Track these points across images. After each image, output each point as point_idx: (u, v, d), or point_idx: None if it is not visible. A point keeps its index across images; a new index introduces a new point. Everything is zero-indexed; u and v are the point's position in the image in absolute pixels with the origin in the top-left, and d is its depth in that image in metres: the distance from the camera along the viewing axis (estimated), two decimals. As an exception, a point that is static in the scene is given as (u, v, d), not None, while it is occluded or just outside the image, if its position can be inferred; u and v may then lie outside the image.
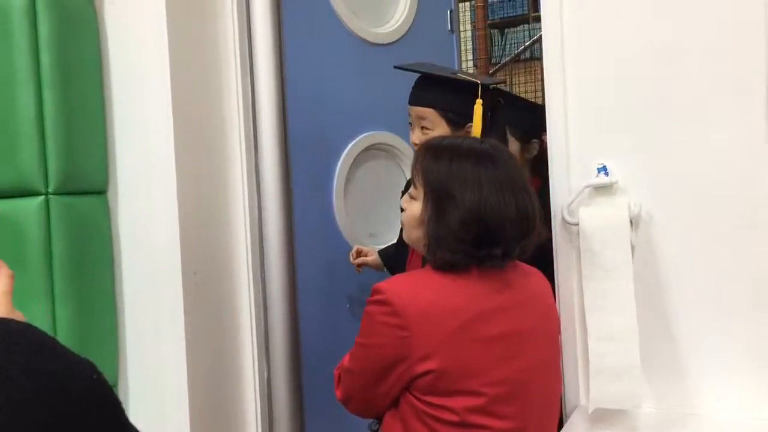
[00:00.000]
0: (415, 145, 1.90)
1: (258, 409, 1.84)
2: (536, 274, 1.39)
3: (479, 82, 1.81)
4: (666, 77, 1.45)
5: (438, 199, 1.28)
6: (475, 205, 1.25)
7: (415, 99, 1.92)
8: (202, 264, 1.74)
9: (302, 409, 1.90)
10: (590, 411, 1.45)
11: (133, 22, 1.68)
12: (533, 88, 4.51)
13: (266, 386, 1.86)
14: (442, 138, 1.50)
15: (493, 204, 1.25)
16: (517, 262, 1.35)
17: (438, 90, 1.89)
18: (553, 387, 1.38)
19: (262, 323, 1.86)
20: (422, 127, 1.88)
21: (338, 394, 1.35)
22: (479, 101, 1.78)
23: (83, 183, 1.65)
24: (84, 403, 0.59)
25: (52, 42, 1.57)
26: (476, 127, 1.78)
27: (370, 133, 2.23)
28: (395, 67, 1.94)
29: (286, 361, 1.86)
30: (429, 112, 1.88)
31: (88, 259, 1.63)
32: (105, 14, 1.70)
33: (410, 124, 1.96)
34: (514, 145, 2.09)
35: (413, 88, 1.94)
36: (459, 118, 1.88)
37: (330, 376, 1.43)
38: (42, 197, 1.56)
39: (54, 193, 1.57)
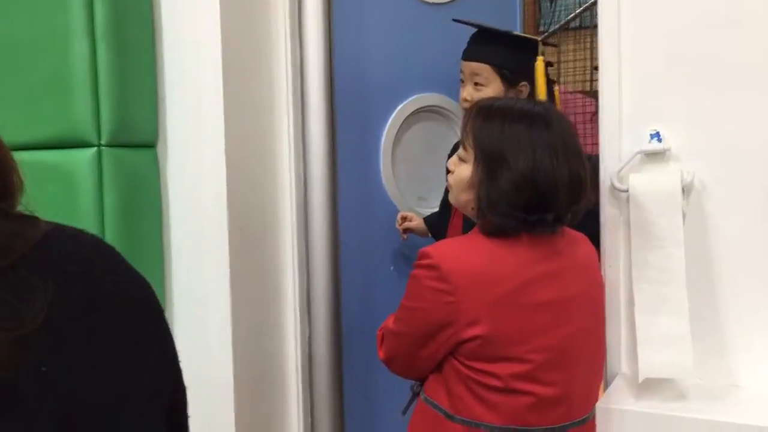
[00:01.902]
0: (465, 101, 1.89)
1: (298, 365, 1.87)
2: (584, 242, 1.38)
3: (539, 39, 1.79)
4: (725, 43, 1.40)
5: (490, 162, 1.26)
6: (529, 169, 1.23)
7: (471, 54, 1.90)
8: (248, 220, 1.76)
9: (341, 368, 1.93)
10: (640, 381, 1.43)
11: (186, -23, 1.69)
12: (582, 56, 4.42)
13: (307, 343, 1.88)
14: (494, 99, 1.48)
15: (547, 168, 1.23)
16: (566, 228, 1.34)
17: (495, 46, 1.87)
18: (597, 355, 1.38)
19: (305, 280, 1.88)
20: (475, 84, 1.86)
21: (381, 354, 1.36)
22: (540, 58, 1.76)
23: (134, 136, 1.67)
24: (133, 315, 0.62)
25: (107, -5, 1.58)
26: (539, 84, 1.77)
27: (420, 94, 2.21)
28: (454, 20, 1.92)
29: (327, 319, 1.88)
30: (483, 68, 1.87)
31: (137, 211, 1.66)
32: (158, -32, 1.71)
33: (461, 81, 1.94)
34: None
35: (469, 43, 1.93)
36: (513, 76, 1.86)
37: (370, 335, 1.44)
38: (95, 149, 1.59)
39: (106, 145, 1.60)
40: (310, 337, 1.89)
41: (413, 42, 2.18)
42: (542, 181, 1.23)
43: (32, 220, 0.62)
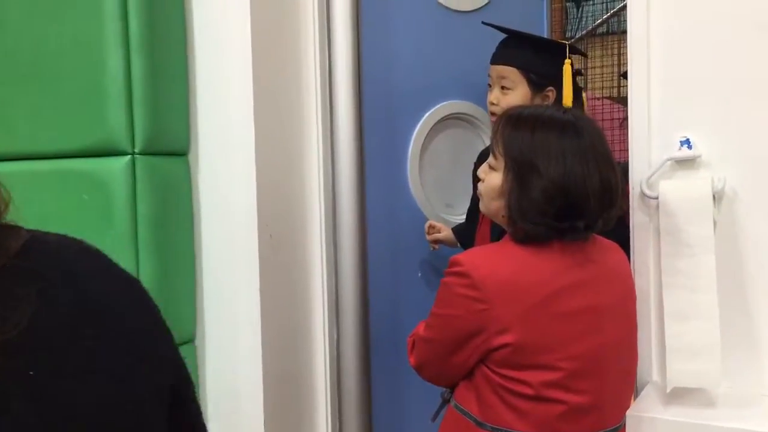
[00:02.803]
0: (492, 104, 1.89)
1: (327, 370, 1.88)
2: (616, 249, 1.37)
3: (567, 43, 1.80)
4: (755, 49, 1.40)
5: (520, 170, 1.26)
6: (560, 177, 1.23)
7: (498, 57, 1.91)
8: (278, 226, 1.78)
9: (370, 372, 1.94)
10: (668, 390, 1.42)
11: (217, -12, 1.72)
12: (610, 62, 4.40)
13: (335, 348, 1.90)
14: (523, 107, 1.48)
15: (578, 175, 1.23)
16: (597, 236, 1.33)
17: (522, 50, 1.88)
18: (629, 363, 1.37)
19: (333, 286, 1.89)
20: (503, 87, 1.87)
21: (411, 360, 1.37)
22: (568, 61, 1.77)
23: (166, 144, 1.70)
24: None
25: (141, 7, 1.61)
26: (566, 88, 1.77)
27: (448, 102, 2.22)
28: (483, 23, 1.93)
29: (356, 324, 1.90)
30: (511, 71, 1.88)
31: (170, 219, 1.69)
32: (191, -20, 1.74)
33: (489, 86, 1.95)
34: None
35: (498, 47, 1.94)
36: (540, 80, 1.86)
37: (398, 341, 1.45)
38: (128, 157, 1.62)
39: (140, 153, 1.62)
40: (338, 343, 1.91)
41: (440, 49, 2.19)
42: (573, 188, 1.23)
43: (13, 229, 0.62)
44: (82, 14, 1.64)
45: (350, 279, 1.90)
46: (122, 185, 1.61)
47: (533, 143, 1.26)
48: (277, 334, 1.77)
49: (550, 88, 1.90)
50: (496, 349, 1.22)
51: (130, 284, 0.66)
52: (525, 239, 1.26)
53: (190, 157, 1.77)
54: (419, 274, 2.20)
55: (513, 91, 1.87)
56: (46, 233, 0.64)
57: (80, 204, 1.64)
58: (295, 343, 1.85)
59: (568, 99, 1.85)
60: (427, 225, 2.15)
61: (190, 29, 1.75)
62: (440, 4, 2.19)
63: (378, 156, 2.03)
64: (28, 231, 0.63)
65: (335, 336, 1.90)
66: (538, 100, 1.90)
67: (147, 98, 1.62)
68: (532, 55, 1.88)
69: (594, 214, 1.26)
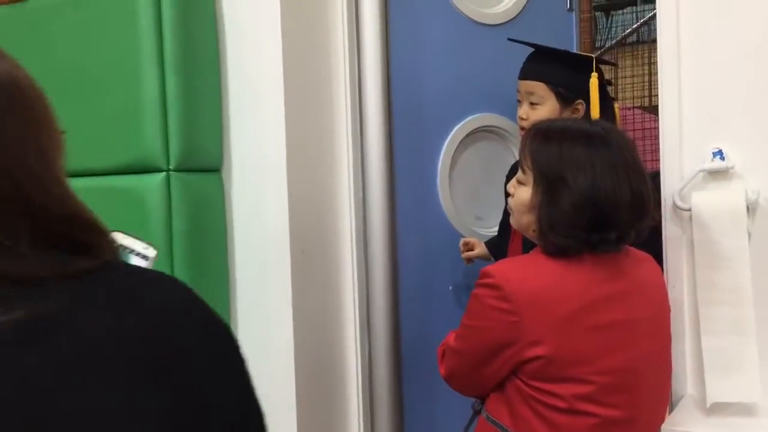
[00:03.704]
0: (521, 119, 1.89)
1: (359, 383, 1.89)
2: (649, 261, 1.36)
3: (594, 56, 1.79)
4: (791, 58, 1.38)
5: (549, 183, 1.26)
6: (589, 189, 1.23)
7: (526, 73, 1.92)
8: (309, 243, 1.80)
9: (401, 385, 1.94)
10: (708, 405, 1.41)
11: (248, 8, 1.75)
12: (640, 72, 4.37)
13: (368, 361, 1.90)
14: (551, 121, 1.48)
15: (607, 187, 1.23)
16: (630, 248, 1.33)
17: (549, 64, 1.88)
18: (664, 377, 1.36)
19: (365, 300, 1.90)
20: (531, 102, 1.87)
21: (442, 371, 1.37)
22: (594, 74, 1.76)
23: (200, 161, 1.74)
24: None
25: (175, 28, 1.66)
26: (593, 101, 1.76)
27: (477, 115, 2.23)
28: (509, 39, 1.94)
29: (387, 337, 1.90)
30: (539, 87, 1.88)
31: (204, 234, 1.72)
32: (223, 2, 1.77)
33: (518, 101, 1.95)
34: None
35: (525, 62, 1.94)
36: (568, 94, 1.86)
37: (430, 354, 1.45)
38: (163, 173, 1.65)
39: (174, 170, 1.66)
40: (370, 355, 1.92)
41: (469, 63, 2.20)
42: (603, 200, 1.23)
43: (97, 258, 0.66)
44: (118, 36, 1.68)
45: (381, 292, 1.91)
46: (158, 201, 1.65)
47: (561, 156, 1.26)
48: (310, 347, 1.79)
49: (580, 101, 1.90)
50: (528, 361, 1.22)
51: (205, 326, 0.67)
52: (556, 252, 1.26)
53: (223, 173, 1.80)
54: (450, 287, 2.20)
55: (542, 106, 1.87)
56: (132, 267, 0.68)
57: (118, 220, 1.68)
58: (328, 356, 1.87)
59: (595, 112, 1.84)
60: (461, 242, 2.16)
61: (222, 49, 1.78)
62: (468, 18, 2.20)
63: (408, 169, 2.04)
64: (115, 262, 0.67)
65: (367, 349, 1.91)
66: (567, 114, 1.89)
67: (181, 116, 1.66)
68: (560, 69, 1.88)
69: (625, 225, 1.25)
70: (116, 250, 0.69)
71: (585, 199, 1.23)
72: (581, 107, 1.90)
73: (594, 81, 1.83)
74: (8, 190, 0.63)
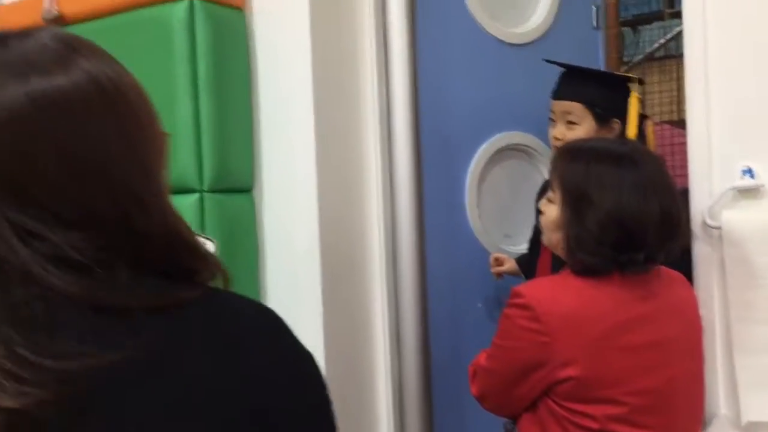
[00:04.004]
0: (556, 139, 1.89)
1: (389, 401, 1.90)
2: (681, 281, 1.36)
3: (632, 76, 1.81)
4: (821, 75, 1.38)
5: (575, 201, 1.28)
6: (614, 208, 1.24)
7: (562, 93, 1.92)
8: (339, 259, 1.82)
9: (431, 403, 1.95)
10: (743, 424, 1.40)
11: (279, 33, 1.79)
12: (668, 88, 4.34)
13: (397, 379, 1.91)
14: (581, 141, 1.50)
15: (634, 206, 1.23)
16: (662, 267, 1.33)
17: (586, 84, 1.89)
18: (698, 398, 1.35)
19: (394, 319, 1.92)
20: (568, 122, 1.87)
21: (473, 390, 1.38)
22: (634, 95, 1.77)
23: (232, 182, 1.77)
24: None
25: (208, 52, 1.70)
26: (632, 120, 1.77)
27: (504, 133, 2.24)
28: (545, 60, 1.95)
29: (417, 355, 1.91)
30: (576, 107, 1.88)
31: (237, 253, 1.75)
32: (254, 25, 1.82)
33: (551, 120, 1.95)
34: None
35: (559, 82, 1.95)
36: (605, 113, 1.87)
37: (460, 372, 1.46)
38: (197, 194, 1.69)
39: (208, 191, 1.70)
40: (400, 373, 1.93)
41: (496, 82, 2.22)
42: (629, 219, 1.24)
43: (196, 285, 0.65)
44: (153, 61, 1.73)
45: (411, 309, 1.92)
46: (191, 221, 1.67)
47: (587, 175, 1.28)
48: (340, 365, 1.81)
49: (615, 120, 1.91)
50: (560, 382, 1.22)
51: (297, 366, 0.68)
52: (585, 271, 1.26)
53: (255, 193, 1.84)
54: (479, 305, 2.21)
55: (579, 126, 1.87)
56: (232, 296, 0.68)
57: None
58: (358, 374, 1.88)
59: (632, 131, 1.84)
60: (492, 258, 2.17)
61: (254, 73, 1.82)
62: (495, 38, 2.22)
63: (436, 187, 2.06)
64: (214, 291, 0.66)
65: (397, 366, 1.92)
66: (603, 133, 1.90)
67: (214, 139, 1.70)
68: (597, 89, 1.89)
69: (654, 245, 1.25)
70: (215, 273, 0.68)
71: (610, 217, 1.23)
72: (617, 126, 1.91)
73: (634, 100, 1.84)
74: (110, 213, 0.62)
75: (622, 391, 1.22)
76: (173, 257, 0.65)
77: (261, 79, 1.82)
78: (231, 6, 1.77)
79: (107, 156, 0.63)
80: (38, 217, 0.60)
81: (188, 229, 0.68)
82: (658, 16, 5.22)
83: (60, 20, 1.87)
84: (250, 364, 0.63)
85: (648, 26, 5.25)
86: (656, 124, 3.82)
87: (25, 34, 0.66)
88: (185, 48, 1.70)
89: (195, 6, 1.70)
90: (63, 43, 0.65)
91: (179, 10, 1.70)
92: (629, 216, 1.24)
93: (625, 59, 4.93)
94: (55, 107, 0.61)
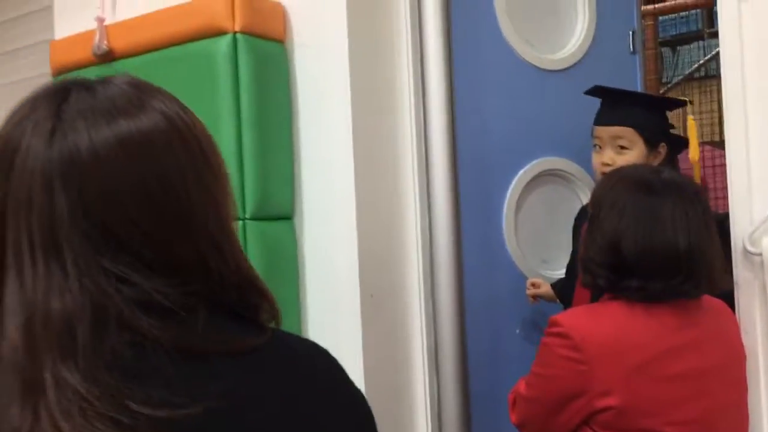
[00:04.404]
0: (605, 165, 1.88)
1: (428, 427, 1.91)
2: (723, 309, 1.35)
3: (684, 99, 1.82)
4: None
5: (591, 220, 1.31)
6: (611, 231, 1.25)
7: (609, 118, 1.92)
8: (378, 285, 1.84)
9: (471, 429, 1.95)
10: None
11: (319, 65, 1.84)
12: (708, 108, 4.30)
13: (437, 405, 1.92)
14: (629, 166, 1.51)
15: (631, 233, 1.24)
16: (705, 296, 1.32)
17: (636, 108, 1.90)
18: (740, 428, 1.33)
19: (433, 344, 1.93)
20: (620, 146, 1.88)
21: (513, 418, 1.38)
22: (691, 118, 1.78)
23: (274, 209, 1.82)
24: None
25: (251, 84, 1.75)
26: (693, 146, 1.78)
27: (542, 159, 2.25)
28: (599, 88, 1.96)
29: (455, 380, 1.92)
30: (627, 131, 1.88)
31: (278, 279, 1.79)
32: (294, 58, 1.87)
33: (596, 146, 1.95)
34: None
35: (605, 107, 1.95)
36: (654, 137, 1.88)
37: (499, 397, 1.46)
38: (240, 222, 1.74)
39: (250, 219, 1.74)
40: (439, 399, 1.93)
41: (533, 108, 2.23)
42: (624, 246, 1.24)
43: (263, 329, 0.68)
44: (198, 93, 1.78)
45: (449, 335, 1.93)
46: (234, 249, 1.73)
47: (604, 196, 1.30)
48: (379, 391, 1.82)
49: (663, 144, 1.91)
50: (600, 411, 1.22)
51: (354, 407, 0.71)
52: (593, 289, 1.28)
53: (296, 221, 1.88)
54: (517, 331, 2.21)
55: (630, 151, 1.88)
56: (293, 338, 0.71)
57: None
58: (397, 401, 1.89)
59: (694, 154, 1.85)
60: (528, 282, 2.17)
61: (294, 103, 1.87)
62: (531, 65, 2.24)
63: (474, 214, 2.08)
64: (278, 334, 0.69)
65: (436, 392, 1.93)
66: (651, 158, 1.90)
67: (256, 168, 1.75)
68: (647, 113, 1.90)
69: (654, 277, 1.24)
70: (274, 312, 0.70)
71: (606, 240, 1.25)
72: (663, 150, 1.91)
73: (692, 123, 1.84)
74: (190, 256, 0.64)
75: (662, 421, 1.21)
76: (243, 297, 0.67)
77: (301, 109, 1.87)
78: (272, 39, 1.83)
79: (187, 198, 0.65)
80: (128, 263, 0.62)
81: (253, 268, 0.70)
82: (697, 36, 5.18)
83: (109, 55, 1.94)
84: (317, 407, 0.66)
85: (687, 46, 5.21)
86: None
87: (106, 81, 0.69)
88: (229, 80, 1.75)
89: (238, 40, 1.75)
90: (138, 88, 0.68)
91: (223, 45, 1.76)
92: (624, 243, 1.24)
93: (664, 80, 4.89)
94: (140, 148, 0.64)
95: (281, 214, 1.85)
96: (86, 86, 0.68)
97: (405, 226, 1.94)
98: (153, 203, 0.63)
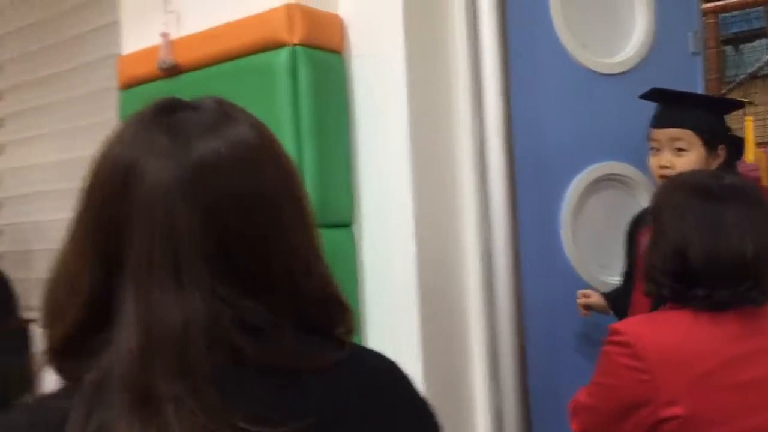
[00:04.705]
0: (664, 168, 1.86)
1: (487, 433, 1.92)
2: None
3: (743, 100, 1.79)
4: None
5: (653, 229, 1.29)
6: (675, 239, 1.23)
7: (668, 120, 1.90)
8: (436, 291, 1.86)
9: (530, 435, 1.95)
10: None
11: (377, 75, 1.87)
12: (773, 107, 4.17)
13: (496, 412, 1.92)
14: (688, 173, 1.50)
15: (697, 241, 1.22)
16: None
17: (695, 111, 1.87)
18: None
19: (492, 350, 1.93)
20: (678, 149, 1.85)
21: (574, 427, 1.37)
22: (749, 118, 1.75)
23: (333, 216, 1.85)
24: None
25: (310, 95, 1.79)
26: (750, 147, 1.75)
27: (600, 163, 2.23)
28: (656, 89, 1.95)
29: (515, 386, 1.92)
30: (686, 134, 1.86)
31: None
32: (353, 69, 1.90)
33: (653, 149, 1.93)
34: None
35: (663, 110, 1.93)
36: (713, 139, 1.85)
37: (558, 404, 1.46)
38: (300, 230, 1.77)
39: (311, 227, 1.78)
40: (499, 406, 1.94)
41: (591, 112, 2.21)
42: (692, 254, 1.22)
43: (342, 343, 0.69)
44: (259, 104, 1.82)
45: (508, 341, 1.93)
46: (295, 256, 1.77)
47: (664, 203, 1.29)
48: (439, 399, 1.83)
49: (722, 146, 1.88)
50: (665, 420, 1.20)
51: (426, 419, 0.73)
52: (655, 297, 1.27)
53: (354, 228, 1.91)
54: (577, 337, 2.19)
55: (689, 153, 1.85)
56: (365, 351, 0.73)
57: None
58: (457, 409, 1.90)
59: (750, 156, 1.81)
60: (579, 293, 2.15)
61: (353, 113, 1.90)
62: (588, 69, 2.22)
63: (532, 219, 2.07)
64: (353, 348, 0.70)
65: (496, 400, 1.93)
66: (710, 160, 1.87)
67: (316, 177, 1.78)
68: (706, 115, 1.87)
69: (719, 284, 1.22)
70: (352, 327, 0.72)
71: (671, 247, 1.23)
72: (722, 152, 1.88)
73: (749, 124, 1.81)
74: (282, 275, 0.65)
75: (729, 430, 1.19)
76: (325, 312, 0.69)
77: (359, 119, 1.90)
78: (330, 51, 1.87)
79: (281, 214, 0.66)
80: (231, 282, 0.63)
81: (334, 283, 0.71)
82: (760, 33, 5.04)
83: (174, 69, 2.01)
84: (393, 421, 0.68)
85: (750, 44, 5.08)
86: (760, 144, 3.67)
87: (198, 101, 0.72)
88: (288, 92, 1.79)
89: (297, 52, 1.80)
90: (224, 106, 0.72)
91: (283, 56, 1.80)
92: (692, 249, 1.22)
93: (727, 79, 4.77)
94: (248, 162, 0.65)
95: (341, 221, 1.88)
96: (187, 105, 0.70)
97: (463, 232, 1.95)
98: (256, 218, 0.65)
